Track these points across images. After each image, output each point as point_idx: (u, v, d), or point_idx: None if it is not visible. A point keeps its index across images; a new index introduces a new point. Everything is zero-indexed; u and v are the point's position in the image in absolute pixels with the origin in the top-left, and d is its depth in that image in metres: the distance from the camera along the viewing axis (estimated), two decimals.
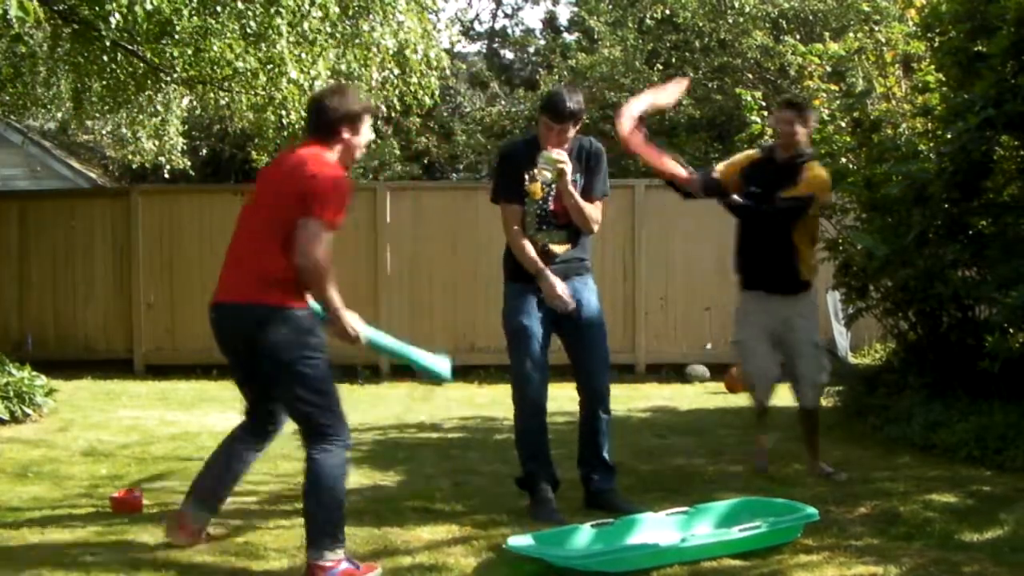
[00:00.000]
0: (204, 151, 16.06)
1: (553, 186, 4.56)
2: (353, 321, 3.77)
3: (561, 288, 4.54)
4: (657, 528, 4.07)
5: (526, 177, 4.55)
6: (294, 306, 3.68)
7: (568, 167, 4.50)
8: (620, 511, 4.37)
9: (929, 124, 7.02)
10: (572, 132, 4.57)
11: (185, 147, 13.34)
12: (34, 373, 7.74)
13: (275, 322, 3.66)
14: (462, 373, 10.49)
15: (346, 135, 3.80)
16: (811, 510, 4.11)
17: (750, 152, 5.62)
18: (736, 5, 15.01)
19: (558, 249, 4.63)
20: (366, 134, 3.89)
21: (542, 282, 4.55)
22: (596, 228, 4.71)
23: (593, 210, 4.64)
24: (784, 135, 5.26)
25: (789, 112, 5.29)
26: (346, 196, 3.70)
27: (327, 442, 3.69)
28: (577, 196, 4.56)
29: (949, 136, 6.28)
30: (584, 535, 3.98)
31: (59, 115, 13.67)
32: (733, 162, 5.43)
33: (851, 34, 10.11)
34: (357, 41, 9.14)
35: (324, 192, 3.63)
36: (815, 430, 5.49)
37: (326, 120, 3.79)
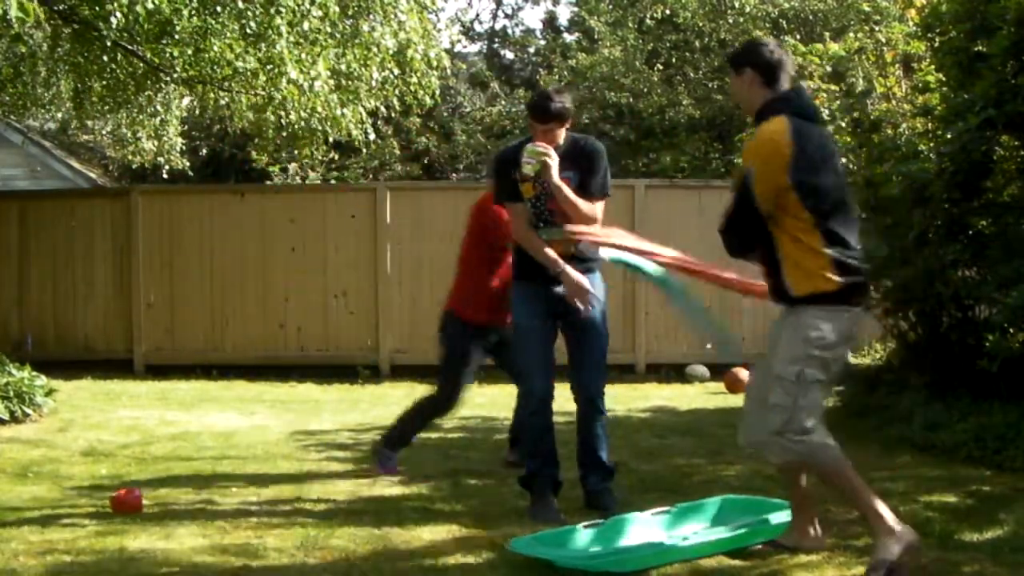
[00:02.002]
0: (204, 151, 16.04)
1: (547, 184, 4.53)
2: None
3: (584, 282, 4.47)
4: (645, 527, 4.07)
5: (517, 176, 4.54)
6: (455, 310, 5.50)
7: (552, 160, 4.42)
8: (609, 511, 4.37)
9: (929, 124, 7.02)
10: (561, 132, 4.53)
11: (185, 147, 13.32)
12: (34, 373, 7.73)
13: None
14: None
15: None
16: None
17: None
18: (736, 5, 15.01)
19: (556, 248, 4.56)
20: None
21: (562, 277, 4.49)
22: (595, 227, 4.63)
23: (589, 207, 4.54)
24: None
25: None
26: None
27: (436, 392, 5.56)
28: (567, 191, 4.47)
29: (949, 136, 6.28)
30: (583, 535, 3.97)
31: (59, 115, 13.68)
32: None
33: (851, 34, 10.10)
34: (357, 41, 9.12)
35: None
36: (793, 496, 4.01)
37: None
